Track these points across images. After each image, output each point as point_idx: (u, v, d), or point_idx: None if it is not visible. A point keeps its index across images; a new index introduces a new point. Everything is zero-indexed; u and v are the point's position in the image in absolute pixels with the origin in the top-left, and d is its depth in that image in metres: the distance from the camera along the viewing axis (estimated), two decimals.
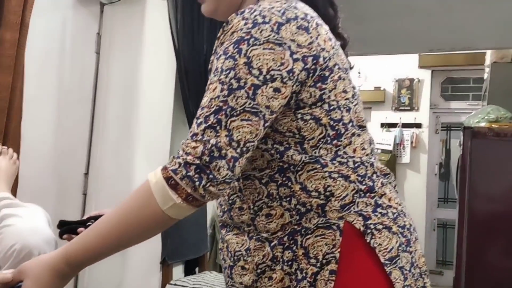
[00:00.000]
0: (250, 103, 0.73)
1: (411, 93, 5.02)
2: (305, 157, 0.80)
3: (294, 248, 0.79)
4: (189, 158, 0.71)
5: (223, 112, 0.73)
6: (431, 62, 4.91)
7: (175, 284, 2.15)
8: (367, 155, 0.84)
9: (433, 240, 4.89)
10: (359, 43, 3.47)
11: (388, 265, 0.78)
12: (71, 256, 0.78)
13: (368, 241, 0.78)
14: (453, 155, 5.01)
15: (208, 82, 0.77)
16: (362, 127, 0.85)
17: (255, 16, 0.76)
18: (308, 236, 0.79)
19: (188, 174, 0.71)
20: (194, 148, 0.72)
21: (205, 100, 0.75)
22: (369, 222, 0.79)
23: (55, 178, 2.21)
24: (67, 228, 0.98)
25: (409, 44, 3.25)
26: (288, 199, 0.80)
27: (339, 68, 0.82)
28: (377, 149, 5.04)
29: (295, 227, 0.80)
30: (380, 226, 0.80)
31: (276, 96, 0.75)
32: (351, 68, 0.90)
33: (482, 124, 3.20)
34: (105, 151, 2.37)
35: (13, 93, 1.67)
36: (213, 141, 0.72)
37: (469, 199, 3.00)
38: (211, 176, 0.71)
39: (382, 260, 0.77)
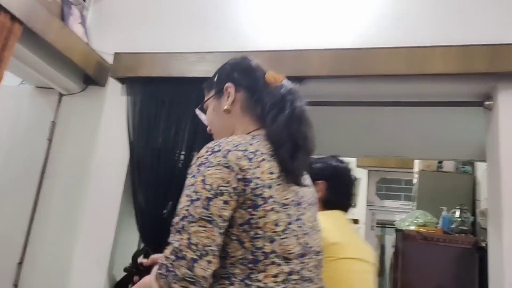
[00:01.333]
0: (205, 213, 0.91)
1: None
2: (222, 271, 0.95)
3: None
4: (163, 259, 0.91)
5: (186, 219, 0.92)
6: (368, 163, 5.30)
7: None
8: (275, 282, 0.95)
9: None
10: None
11: None
12: None
13: None
14: (387, 250, 5.24)
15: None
16: (287, 259, 0.97)
17: (214, 146, 0.99)
18: None
19: (160, 271, 0.91)
20: (167, 250, 0.92)
21: (176, 210, 0.95)
22: None
23: None
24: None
25: (347, 150, 3.52)
26: None
27: (274, 201, 0.96)
28: None
29: None
30: None
31: (225, 207, 0.93)
32: (298, 204, 1.02)
33: (412, 228, 3.45)
34: (44, 240, 2.30)
35: None
36: (176, 244, 0.91)
37: None
38: (173, 273, 0.89)
39: None
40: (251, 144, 1.00)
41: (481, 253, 2.96)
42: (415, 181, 4.42)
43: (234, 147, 0.98)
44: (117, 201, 2.34)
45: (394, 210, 5.16)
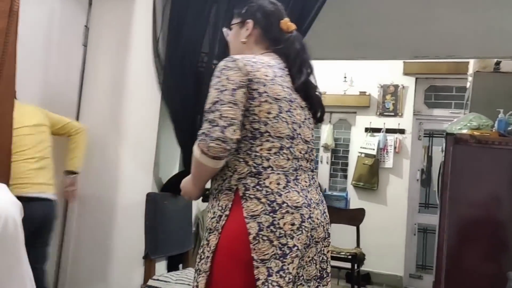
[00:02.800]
0: (231, 98, 1.27)
1: (395, 99, 5.09)
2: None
3: (216, 199, 1.33)
4: (201, 130, 1.26)
5: (218, 103, 1.26)
6: (416, 70, 4.99)
7: (158, 280, 2.13)
8: (268, 153, 1.31)
9: (413, 245, 4.95)
10: (347, 47, 3.52)
11: (248, 218, 1.25)
12: None
13: (242, 203, 1.27)
14: (435, 161, 5.09)
15: (208, 94, 1.29)
16: (280, 137, 1.33)
17: (230, 58, 1.34)
18: (220, 193, 1.32)
19: (200, 137, 1.25)
20: (203, 125, 1.26)
21: (207, 101, 1.28)
22: (246, 192, 1.28)
23: None
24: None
25: (395, 51, 3.28)
26: (221, 171, 1.32)
27: (268, 96, 1.33)
28: (361, 153, 5.10)
29: (219, 187, 1.33)
30: (252, 196, 1.27)
31: (243, 96, 1.29)
32: (290, 101, 1.38)
33: (464, 131, 3.25)
34: (91, 144, 2.34)
35: (4, 82, 1.63)
36: (211, 117, 1.25)
37: (450, 204, 3.05)
38: (209, 136, 1.23)
39: (245, 215, 1.25)
40: (253, 57, 1.38)
41: None
42: (468, 84, 4.13)
43: (242, 58, 1.34)
44: (156, 103, 2.31)
45: (443, 119, 4.91)
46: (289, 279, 1.23)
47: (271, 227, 1.24)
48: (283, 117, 1.33)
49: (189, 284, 2.08)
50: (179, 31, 2.24)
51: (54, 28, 2.25)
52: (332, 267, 4.64)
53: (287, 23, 1.49)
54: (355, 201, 5.04)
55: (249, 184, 1.28)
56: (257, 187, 1.28)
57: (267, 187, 1.28)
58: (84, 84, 2.40)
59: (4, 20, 1.59)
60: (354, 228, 4.21)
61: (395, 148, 4.99)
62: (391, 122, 5.06)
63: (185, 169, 2.28)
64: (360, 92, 5.19)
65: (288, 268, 1.23)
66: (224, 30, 1.59)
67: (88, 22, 2.42)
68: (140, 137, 2.30)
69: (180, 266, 2.46)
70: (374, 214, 4.73)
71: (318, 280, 1.36)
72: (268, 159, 1.30)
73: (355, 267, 3.94)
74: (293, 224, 1.26)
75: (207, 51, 2.24)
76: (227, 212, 1.28)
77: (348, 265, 3.95)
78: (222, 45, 2.16)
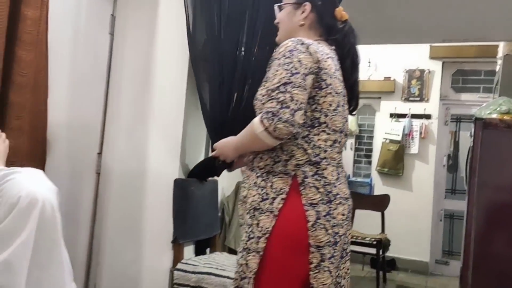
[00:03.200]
0: (302, 83, 1.28)
1: (421, 84, 4.99)
2: None
3: (265, 180, 1.35)
4: (267, 109, 1.26)
5: (289, 85, 1.26)
6: (442, 54, 4.86)
7: (186, 263, 2.18)
8: (325, 145, 1.35)
9: (440, 231, 4.89)
10: (373, 32, 3.45)
11: (307, 206, 1.31)
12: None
13: (300, 189, 1.32)
14: (462, 147, 4.99)
15: (274, 72, 1.31)
16: (335, 131, 1.38)
17: (298, 40, 1.34)
18: (272, 175, 1.35)
19: (267, 116, 1.25)
20: (268, 104, 1.27)
21: (272, 82, 1.29)
22: (306, 179, 1.32)
23: (70, 157, 2.23)
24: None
25: (422, 34, 3.22)
26: (272, 151, 1.35)
27: (332, 88, 1.36)
28: (385, 139, 5.04)
29: (268, 167, 1.36)
30: (311, 184, 1.32)
31: (311, 82, 1.32)
32: (344, 96, 1.42)
33: (494, 116, 3.17)
34: (119, 131, 2.39)
35: (37, 71, 1.68)
36: (281, 98, 1.25)
37: (479, 190, 2.99)
38: (278, 117, 1.24)
39: (304, 202, 1.31)
40: (319, 45, 1.38)
41: None
42: (498, 68, 4.01)
43: (312, 43, 1.34)
44: (182, 91, 2.33)
45: (471, 103, 4.80)
46: (336, 264, 1.34)
47: (327, 217, 1.32)
48: (339, 111, 1.38)
49: (217, 268, 2.11)
50: (212, 15, 2.23)
51: (81, 17, 2.29)
52: (357, 252, 4.63)
53: (341, 12, 1.47)
54: (379, 187, 5.00)
55: (308, 172, 1.32)
56: (316, 176, 1.33)
57: (325, 177, 1.34)
58: (111, 72, 2.44)
59: (37, 10, 1.64)
60: (379, 214, 4.19)
61: (420, 133, 4.91)
62: (416, 108, 4.98)
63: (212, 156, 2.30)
64: (384, 77, 5.11)
65: (337, 255, 1.34)
66: (276, 7, 1.55)
67: (114, 11, 2.45)
68: (167, 123, 2.33)
69: (207, 250, 2.50)
70: (400, 200, 4.69)
71: (339, 259, 1.42)
72: (325, 151, 1.35)
73: (380, 252, 3.94)
74: (343, 215, 1.36)
75: (245, 39, 2.23)
76: (283, 196, 1.31)
77: (373, 250, 3.94)
78: (263, 32, 2.14)
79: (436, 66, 4.95)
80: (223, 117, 2.20)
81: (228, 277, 2.02)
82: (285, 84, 1.26)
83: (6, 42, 1.58)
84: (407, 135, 4.94)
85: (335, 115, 1.36)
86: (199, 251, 2.44)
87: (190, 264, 2.16)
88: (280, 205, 1.30)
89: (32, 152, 1.73)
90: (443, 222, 4.91)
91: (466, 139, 4.50)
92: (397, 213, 4.55)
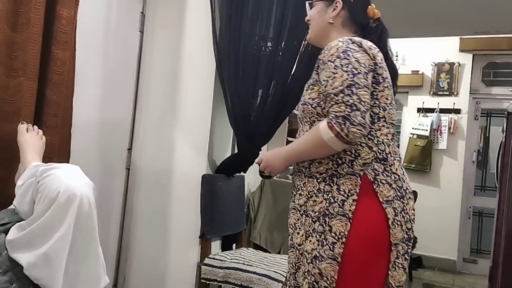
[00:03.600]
0: (366, 82, 1.26)
1: (450, 77, 4.88)
2: None
3: (328, 184, 1.31)
4: (335, 113, 1.23)
5: (354, 86, 1.24)
6: (473, 46, 4.74)
7: (213, 258, 2.21)
8: (387, 139, 1.34)
9: (468, 228, 4.79)
10: (403, 25, 3.39)
11: (384, 203, 1.29)
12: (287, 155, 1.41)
13: (374, 188, 1.29)
14: (492, 142, 4.86)
15: (331, 75, 1.28)
16: (392, 124, 1.37)
17: (348, 39, 1.33)
18: (336, 177, 1.31)
19: (337, 121, 1.22)
20: (336, 107, 1.24)
21: (332, 84, 1.27)
22: (377, 177, 1.30)
23: (100, 153, 2.28)
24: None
25: (454, 26, 3.14)
26: (332, 154, 1.30)
27: (387, 82, 1.35)
28: (413, 134, 4.95)
29: (328, 171, 1.32)
30: (384, 181, 1.30)
31: (372, 80, 1.31)
32: (391, 86, 1.40)
33: None
34: (148, 128, 2.43)
35: (67, 68, 1.72)
36: (349, 102, 1.22)
37: (510, 186, 2.92)
38: (351, 120, 1.21)
39: (381, 200, 1.29)
40: (367, 41, 1.36)
41: None
42: None
43: (363, 40, 1.33)
44: (210, 87, 2.35)
45: (502, 97, 4.67)
46: (408, 260, 1.34)
47: (402, 213, 1.31)
48: (393, 104, 1.38)
49: (243, 263, 2.14)
50: (238, 13, 2.24)
51: (112, 15, 2.33)
52: None
53: (373, 10, 1.46)
54: None
55: (378, 170, 1.30)
56: (385, 172, 1.31)
57: (394, 173, 1.32)
58: (141, 69, 2.48)
59: (71, 10, 1.68)
60: None
61: (449, 128, 4.81)
62: (445, 102, 4.87)
63: (239, 152, 2.31)
64: (412, 71, 5.02)
65: (410, 251, 1.33)
66: (307, 4, 1.53)
67: (144, 9, 2.48)
68: (195, 120, 2.36)
69: (234, 245, 2.53)
70: (427, 196, 4.62)
71: None
72: (388, 145, 1.34)
73: None
74: (413, 210, 1.35)
75: (271, 35, 2.22)
76: (354, 197, 1.28)
77: None
78: (290, 28, 2.13)
79: (466, 59, 4.84)
80: (246, 113, 2.21)
81: (254, 273, 2.04)
82: (349, 86, 1.23)
83: (43, 41, 1.63)
84: (435, 130, 4.85)
85: (392, 108, 1.36)
86: (225, 247, 2.47)
87: (217, 259, 2.19)
88: (353, 207, 1.27)
89: (61, 148, 1.78)
90: (471, 220, 4.81)
91: (496, 134, 4.38)
92: (424, 210, 4.48)
